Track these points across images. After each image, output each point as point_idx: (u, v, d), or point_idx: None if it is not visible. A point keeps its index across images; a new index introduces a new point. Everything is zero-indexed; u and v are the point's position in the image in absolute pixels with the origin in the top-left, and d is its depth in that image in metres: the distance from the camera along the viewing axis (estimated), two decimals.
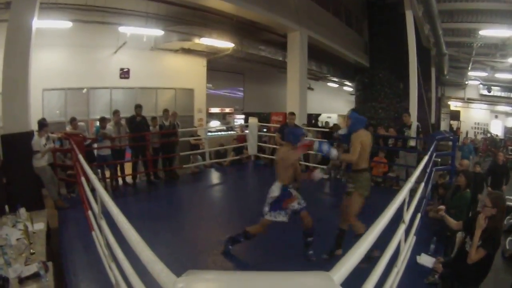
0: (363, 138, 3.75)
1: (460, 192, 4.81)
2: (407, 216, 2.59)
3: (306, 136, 9.06)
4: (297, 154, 4.05)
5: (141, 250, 1.46)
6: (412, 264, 3.63)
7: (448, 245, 4.63)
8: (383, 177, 7.66)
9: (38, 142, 5.35)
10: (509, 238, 5.58)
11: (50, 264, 3.22)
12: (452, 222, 3.71)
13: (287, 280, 1.07)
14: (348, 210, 3.87)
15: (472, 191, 5.01)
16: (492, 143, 17.35)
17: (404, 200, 2.46)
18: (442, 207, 4.00)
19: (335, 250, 3.99)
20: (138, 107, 7.27)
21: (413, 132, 7.19)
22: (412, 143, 7.32)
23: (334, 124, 16.98)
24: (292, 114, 7.01)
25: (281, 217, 3.88)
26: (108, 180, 6.99)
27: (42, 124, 5.57)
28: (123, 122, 7.27)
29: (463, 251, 3.18)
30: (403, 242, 2.57)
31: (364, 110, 17.15)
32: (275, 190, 3.85)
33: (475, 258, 3.01)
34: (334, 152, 3.82)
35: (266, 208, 3.87)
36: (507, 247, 5.40)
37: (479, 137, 20.64)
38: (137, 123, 7.13)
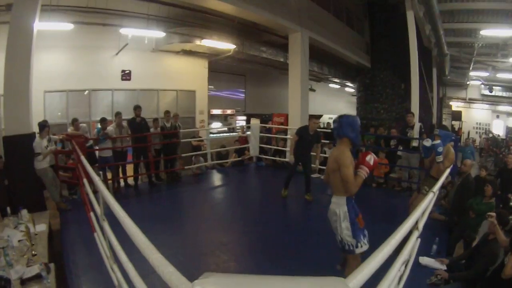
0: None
1: (486, 200, 4.73)
2: (420, 223, 2.57)
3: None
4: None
5: (150, 253, 1.43)
6: (415, 265, 3.60)
7: (450, 246, 4.61)
8: (384, 178, 7.63)
9: (40, 144, 5.35)
10: None
11: (52, 265, 3.21)
12: (503, 237, 3.48)
13: (304, 285, 1.05)
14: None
15: (471, 198, 4.95)
16: (493, 143, 17.31)
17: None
18: (493, 213, 3.84)
19: None
20: (137, 107, 7.27)
21: (416, 132, 7.16)
22: (414, 143, 7.28)
23: None
24: (317, 117, 6.28)
25: (366, 242, 2.86)
26: (109, 181, 6.98)
27: (43, 125, 5.57)
28: (125, 124, 7.26)
29: (502, 266, 3.09)
30: (416, 248, 2.56)
31: (365, 111, 17.18)
32: (340, 209, 2.85)
33: (509, 273, 2.92)
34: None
35: (349, 238, 2.80)
36: None
37: (482, 137, 20.61)
38: (137, 124, 7.13)
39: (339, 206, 2.86)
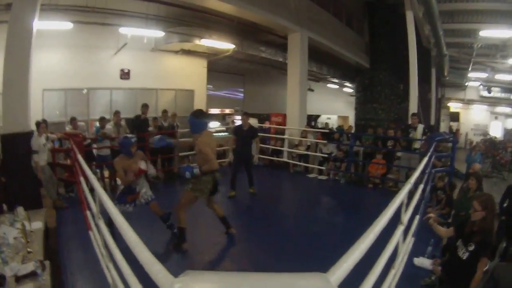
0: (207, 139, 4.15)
1: (469, 194, 4.73)
2: (405, 218, 2.58)
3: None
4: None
5: (139, 251, 1.45)
6: (410, 265, 3.63)
7: (446, 247, 4.61)
8: (381, 179, 7.65)
9: (37, 141, 5.36)
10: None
11: (47, 263, 3.21)
12: (441, 230, 3.62)
13: (284, 281, 1.06)
14: (179, 202, 4.20)
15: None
16: (491, 144, 17.33)
17: (403, 202, 2.46)
18: (431, 215, 3.91)
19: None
20: (145, 106, 7.36)
21: (419, 134, 7.20)
22: (417, 145, 7.32)
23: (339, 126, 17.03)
24: (245, 114, 6.68)
25: (128, 209, 4.18)
26: (107, 180, 6.99)
27: (39, 123, 5.59)
28: (123, 122, 7.28)
29: (455, 256, 3.12)
30: (401, 243, 2.57)
31: (364, 111, 17.20)
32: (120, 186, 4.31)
33: (480, 271, 2.88)
34: (196, 170, 4.02)
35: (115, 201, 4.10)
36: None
37: (477, 139, 20.59)
38: (141, 121, 7.19)
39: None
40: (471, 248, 2.92)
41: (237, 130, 6.48)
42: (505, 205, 4.85)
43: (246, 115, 6.62)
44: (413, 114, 7.79)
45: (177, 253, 4.02)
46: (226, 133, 13.86)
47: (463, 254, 2.97)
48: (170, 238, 4.39)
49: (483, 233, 2.93)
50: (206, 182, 4.08)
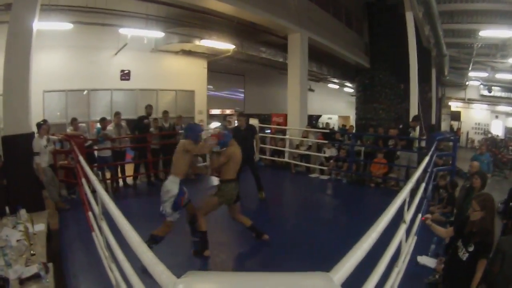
0: (233, 151, 4.19)
1: (474, 194, 4.71)
2: (407, 216, 2.58)
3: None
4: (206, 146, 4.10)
5: (142, 252, 1.46)
6: (413, 264, 3.63)
7: (449, 245, 4.61)
8: (383, 178, 7.65)
9: (39, 143, 5.36)
10: None
11: (50, 265, 3.22)
12: (440, 230, 3.54)
13: (287, 281, 1.07)
14: (201, 206, 4.14)
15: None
16: (492, 143, 17.34)
17: (405, 200, 2.45)
18: (429, 215, 3.89)
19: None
20: (149, 107, 7.43)
21: (417, 134, 7.27)
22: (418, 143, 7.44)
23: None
24: (240, 114, 6.54)
25: (178, 215, 3.85)
26: (108, 181, 6.99)
27: (40, 124, 5.59)
28: (123, 123, 7.29)
29: (456, 257, 3.10)
30: (404, 242, 2.57)
31: (365, 111, 17.20)
32: (174, 188, 3.75)
33: (480, 272, 2.87)
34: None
35: (168, 210, 3.71)
36: None
37: (479, 137, 20.62)
38: (144, 125, 7.24)
39: (173, 185, 3.75)
40: (471, 249, 2.88)
41: (235, 132, 6.31)
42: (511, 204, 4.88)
43: (241, 115, 6.48)
44: (414, 118, 7.83)
45: (180, 254, 4.02)
46: None
47: (463, 255, 2.94)
48: (180, 242, 4.34)
49: (483, 233, 2.89)
50: (232, 189, 4.21)
